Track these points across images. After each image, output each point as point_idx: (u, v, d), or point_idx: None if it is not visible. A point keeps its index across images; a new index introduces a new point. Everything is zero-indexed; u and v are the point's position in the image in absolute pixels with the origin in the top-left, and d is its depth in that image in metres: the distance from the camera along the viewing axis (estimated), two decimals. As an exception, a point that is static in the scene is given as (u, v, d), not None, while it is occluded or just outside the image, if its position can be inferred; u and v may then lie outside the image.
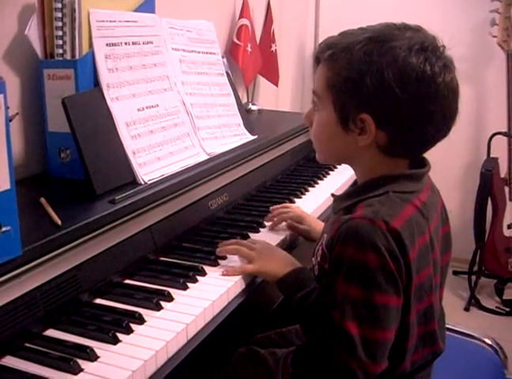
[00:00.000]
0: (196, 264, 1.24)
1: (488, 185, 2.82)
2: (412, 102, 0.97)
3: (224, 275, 1.21)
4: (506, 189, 2.88)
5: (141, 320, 1.03)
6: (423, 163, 1.09)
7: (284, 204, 1.57)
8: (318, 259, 1.09)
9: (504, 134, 2.86)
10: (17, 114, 1.35)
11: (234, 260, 1.27)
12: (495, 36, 2.80)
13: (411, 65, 0.97)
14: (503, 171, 2.89)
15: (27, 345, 0.97)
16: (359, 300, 0.95)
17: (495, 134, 2.92)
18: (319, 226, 1.42)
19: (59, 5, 1.37)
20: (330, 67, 1.04)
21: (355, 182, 1.16)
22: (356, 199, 1.05)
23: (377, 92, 0.98)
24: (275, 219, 1.50)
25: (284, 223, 1.49)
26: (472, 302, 2.92)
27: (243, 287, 1.20)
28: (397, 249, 0.95)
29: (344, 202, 1.08)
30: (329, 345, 0.97)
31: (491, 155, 2.94)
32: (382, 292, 0.94)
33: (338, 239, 0.98)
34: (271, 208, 1.53)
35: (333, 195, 1.18)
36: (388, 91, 0.97)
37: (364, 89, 0.98)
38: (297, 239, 1.48)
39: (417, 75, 0.97)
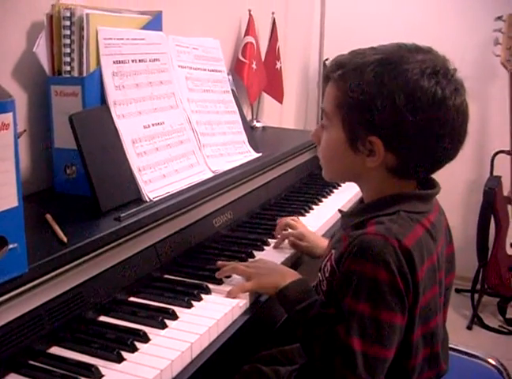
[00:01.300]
0: (200, 282, 1.24)
1: (491, 203, 2.82)
2: (421, 125, 0.98)
3: (226, 297, 1.21)
4: (509, 207, 2.89)
5: (145, 339, 1.03)
6: (433, 185, 1.10)
7: (292, 217, 1.57)
8: (327, 275, 1.08)
9: (507, 152, 2.87)
10: (25, 131, 1.36)
11: (238, 278, 1.27)
12: (498, 55, 2.82)
13: (422, 90, 0.97)
14: (506, 189, 2.89)
15: (31, 363, 0.97)
16: (366, 317, 0.95)
17: (498, 152, 2.93)
18: (322, 242, 1.42)
19: (68, 23, 1.38)
20: (340, 87, 1.04)
21: (361, 200, 1.16)
22: (366, 216, 1.05)
23: (387, 116, 0.98)
24: (278, 236, 1.50)
25: (287, 241, 1.49)
26: (475, 321, 2.91)
27: (248, 305, 1.20)
28: (407, 268, 0.95)
29: (354, 218, 1.09)
30: (330, 359, 0.97)
31: (494, 174, 2.95)
32: (390, 310, 0.95)
33: (349, 254, 0.98)
34: (278, 220, 1.54)
35: (340, 211, 1.18)
36: (398, 114, 0.97)
37: (374, 112, 0.98)
38: (302, 257, 1.48)
39: (428, 99, 0.97)
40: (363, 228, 1.02)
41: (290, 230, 1.51)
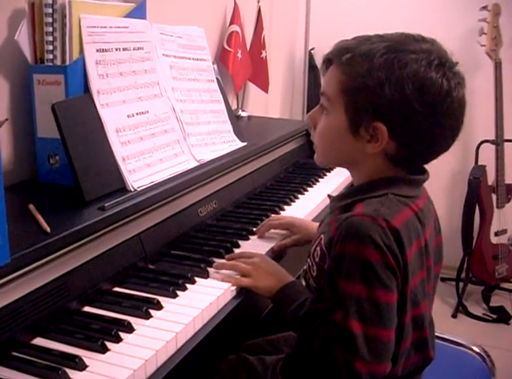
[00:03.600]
0: (185, 272, 1.23)
1: (476, 192, 2.84)
2: (427, 115, 0.99)
3: (219, 280, 1.21)
4: (494, 196, 2.90)
5: (130, 329, 1.02)
6: (422, 171, 1.10)
7: (273, 216, 1.57)
8: (317, 259, 1.08)
9: (492, 142, 2.88)
10: (7, 119, 1.34)
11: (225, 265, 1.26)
12: (483, 45, 2.83)
13: (431, 80, 0.98)
14: (491, 179, 2.91)
15: (14, 354, 0.96)
16: (362, 298, 0.95)
17: (482, 142, 2.94)
18: (312, 226, 1.41)
19: (50, 11, 1.36)
20: (346, 71, 1.03)
21: (351, 185, 1.16)
22: (354, 198, 1.06)
23: (394, 103, 0.98)
24: (262, 227, 1.49)
25: (272, 231, 1.48)
26: (460, 309, 2.94)
27: (233, 295, 1.19)
28: (397, 247, 0.96)
29: (342, 201, 1.09)
30: (330, 349, 0.97)
31: (479, 163, 2.97)
32: (386, 289, 0.95)
33: (339, 237, 0.99)
34: (256, 230, 1.51)
35: (329, 196, 1.19)
36: (406, 102, 0.98)
37: (382, 98, 0.98)
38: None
39: (435, 89, 0.98)
40: (351, 211, 1.02)
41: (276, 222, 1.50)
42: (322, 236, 1.08)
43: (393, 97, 0.98)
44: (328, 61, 1.09)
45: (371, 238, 0.95)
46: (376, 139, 1.02)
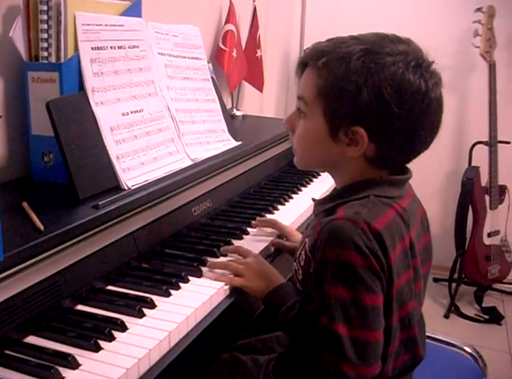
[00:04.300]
0: (179, 271, 1.23)
1: (469, 193, 2.85)
2: (406, 117, 0.98)
3: (212, 279, 1.21)
4: (487, 197, 2.91)
5: (123, 328, 1.02)
6: (405, 171, 1.10)
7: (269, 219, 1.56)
8: (302, 263, 1.08)
9: (485, 143, 2.89)
10: (1, 117, 1.34)
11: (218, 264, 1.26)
12: (477, 47, 2.83)
13: (409, 82, 0.97)
14: (484, 180, 2.92)
15: (6, 352, 0.95)
16: (347, 301, 0.95)
17: (476, 143, 2.95)
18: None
19: (45, 8, 1.36)
20: (322, 75, 1.02)
21: (334, 188, 1.16)
22: (337, 201, 1.05)
23: (373, 106, 0.97)
24: (259, 222, 1.50)
25: (269, 230, 1.49)
26: (452, 310, 2.95)
27: (226, 294, 1.20)
28: (379, 249, 0.95)
29: (325, 205, 1.09)
30: (318, 352, 0.97)
31: (473, 164, 2.98)
32: (370, 292, 0.95)
33: (321, 242, 0.98)
34: (253, 222, 1.52)
35: (313, 199, 1.19)
36: (384, 105, 0.97)
37: (360, 102, 0.98)
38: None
39: (413, 91, 0.98)
40: (334, 213, 1.02)
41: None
42: (307, 240, 1.07)
43: (372, 101, 0.97)
44: (303, 64, 1.08)
45: (353, 242, 0.94)
46: (356, 142, 1.02)
